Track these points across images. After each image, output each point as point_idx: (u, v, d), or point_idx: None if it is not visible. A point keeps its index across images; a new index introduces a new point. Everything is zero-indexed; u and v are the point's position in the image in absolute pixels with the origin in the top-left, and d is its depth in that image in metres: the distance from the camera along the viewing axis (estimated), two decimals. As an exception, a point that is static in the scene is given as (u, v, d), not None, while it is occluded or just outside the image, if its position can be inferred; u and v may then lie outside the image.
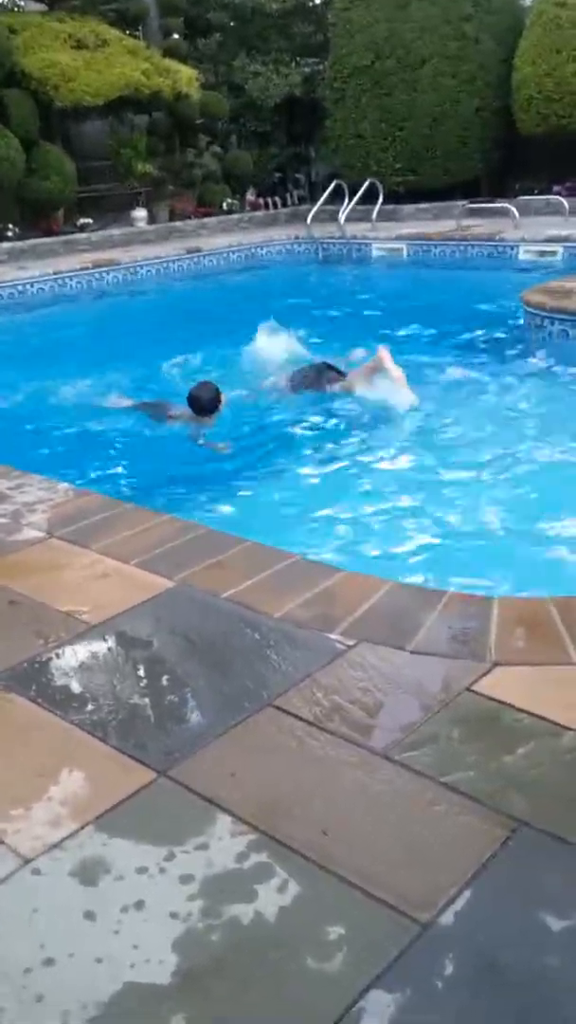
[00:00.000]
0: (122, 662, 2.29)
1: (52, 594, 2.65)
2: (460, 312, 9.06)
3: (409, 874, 1.54)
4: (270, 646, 2.30)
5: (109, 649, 2.34)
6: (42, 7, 14.78)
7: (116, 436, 5.49)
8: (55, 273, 11.44)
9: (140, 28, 15.64)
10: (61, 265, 11.74)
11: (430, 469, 4.57)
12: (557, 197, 12.84)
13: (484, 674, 2.10)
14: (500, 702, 1.99)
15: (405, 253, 12.49)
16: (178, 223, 14.44)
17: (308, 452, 4.97)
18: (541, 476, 4.41)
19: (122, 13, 15.30)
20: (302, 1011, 1.32)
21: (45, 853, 1.64)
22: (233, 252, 13.23)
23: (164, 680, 2.21)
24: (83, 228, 13.56)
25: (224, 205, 15.31)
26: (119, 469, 4.89)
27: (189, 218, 14.64)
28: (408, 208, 14.26)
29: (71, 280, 11.53)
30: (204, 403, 5.34)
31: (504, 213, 12.32)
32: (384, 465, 4.69)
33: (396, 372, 5.65)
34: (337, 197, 13.53)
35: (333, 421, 5.47)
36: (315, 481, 4.56)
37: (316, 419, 5.53)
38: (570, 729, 1.88)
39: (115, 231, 13.71)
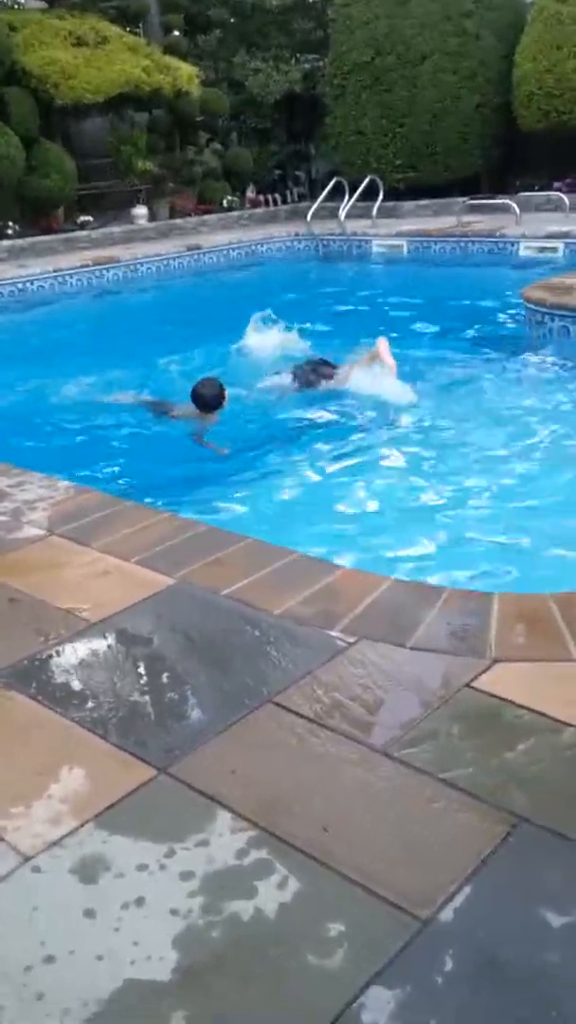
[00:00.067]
0: (122, 659, 2.29)
1: (52, 592, 2.65)
2: (460, 309, 9.05)
3: (409, 871, 1.54)
4: (270, 643, 2.30)
5: (109, 647, 2.34)
6: (42, 4, 14.76)
7: (117, 434, 5.49)
8: (55, 271, 11.44)
9: (140, 25, 15.63)
10: (61, 263, 11.73)
11: (430, 466, 4.57)
12: (558, 193, 12.83)
13: (484, 670, 2.10)
14: (500, 698, 1.99)
15: (405, 250, 12.48)
16: (178, 220, 14.43)
17: (308, 450, 4.97)
18: (542, 472, 4.41)
19: (122, 10, 15.29)
20: (302, 1008, 1.32)
21: (45, 851, 1.64)
22: (233, 249, 13.22)
23: (164, 677, 2.22)
24: (83, 226, 13.56)
25: (224, 202, 15.29)
26: (120, 467, 4.89)
27: (189, 215, 14.63)
28: (408, 205, 14.25)
29: (71, 278, 11.53)
30: (208, 400, 5.34)
31: (505, 209, 12.31)
32: (383, 462, 4.69)
33: (389, 361, 5.66)
34: (337, 194, 13.52)
35: (333, 418, 5.46)
36: (315, 479, 4.56)
37: (316, 416, 5.53)
38: (570, 725, 1.88)
39: (115, 229, 13.70)
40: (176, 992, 1.35)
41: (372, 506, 4.11)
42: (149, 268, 12.28)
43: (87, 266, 11.72)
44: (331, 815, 1.68)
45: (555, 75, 13.09)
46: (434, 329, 7.78)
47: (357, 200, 13.29)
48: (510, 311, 8.01)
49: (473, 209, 12.79)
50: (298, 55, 16.41)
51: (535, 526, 3.80)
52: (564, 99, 13.10)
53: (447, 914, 1.45)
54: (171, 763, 1.85)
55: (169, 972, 1.38)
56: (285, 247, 13.60)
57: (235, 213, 15.04)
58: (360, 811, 1.69)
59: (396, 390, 5.64)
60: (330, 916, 1.46)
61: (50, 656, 2.31)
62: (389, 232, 12.89)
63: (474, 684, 2.05)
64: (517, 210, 12.12)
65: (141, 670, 2.24)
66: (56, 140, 13.50)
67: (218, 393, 5.37)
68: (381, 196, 13.54)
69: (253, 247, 13.36)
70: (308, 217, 13.59)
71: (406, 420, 5.33)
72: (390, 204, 13.88)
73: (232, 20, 16.93)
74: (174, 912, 1.49)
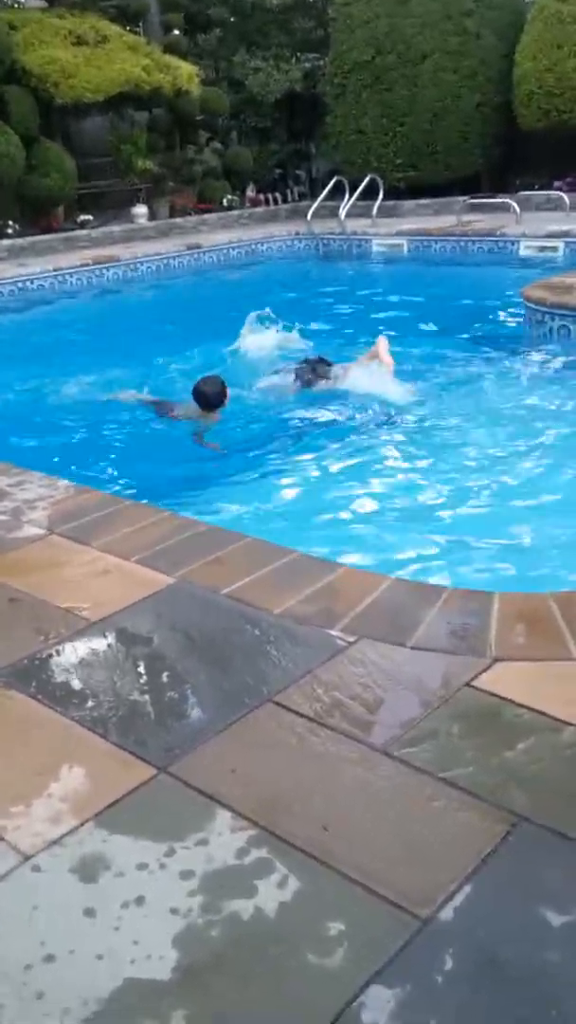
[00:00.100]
0: (122, 659, 2.29)
1: (52, 591, 2.65)
2: (461, 308, 9.06)
3: (409, 870, 1.54)
4: (270, 642, 2.29)
5: (109, 646, 2.34)
6: (42, 3, 14.76)
7: (117, 433, 5.49)
8: (55, 270, 11.44)
9: (140, 24, 15.63)
10: (61, 262, 11.74)
11: (430, 465, 4.57)
12: (558, 192, 12.83)
13: (484, 670, 2.10)
14: (500, 698, 1.99)
15: (405, 249, 12.48)
16: (178, 219, 14.43)
17: (307, 449, 4.97)
18: (542, 470, 4.41)
19: (122, 9, 15.29)
20: (302, 1007, 1.32)
21: (45, 850, 1.64)
22: (233, 248, 13.22)
23: (164, 676, 2.21)
24: (83, 225, 13.56)
25: (224, 201, 15.29)
26: (120, 466, 4.88)
27: (189, 214, 14.63)
28: (408, 204, 14.26)
29: (71, 277, 11.53)
30: (210, 397, 5.33)
31: (505, 208, 12.31)
32: (383, 461, 4.69)
33: (387, 360, 5.67)
34: (337, 193, 13.52)
35: (333, 417, 5.46)
36: (315, 478, 4.55)
37: (316, 416, 5.52)
38: (570, 724, 1.88)
39: (115, 228, 13.70)
40: (176, 991, 1.35)
41: (372, 505, 4.11)
42: (149, 267, 12.28)
43: (87, 265, 11.72)
44: (331, 814, 1.68)
45: (555, 74, 13.09)
46: (434, 328, 7.78)
47: (357, 199, 13.30)
48: (510, 310, 8.01)
49: (473, 208, 12.79)
50: (298, 54, 16.41)
51: (535, 525, 3.79)
52: (564, 98, 13.10)
53: (447, 913, 1.45)
54: (171, 762, 1.85)
55: (169, 971, 1.38)
56: (285, 246, 13.60)
57: (235, 212, 15.04)
58: (360, 810, 1.69)
59: (395, 389, 5.64)
60: (330, 915, 1.46)
61: (50, 655, 2.31)
62: (389, 231, 12.89)
63: (474, 683, 2.05)
64: (517, 209, 12.12)
65: (141, 669, 2.24)
66: (56, 139, 13.50)
67: (220, 391, 5.36)
68: (381, 195, 13.54)
69: (253, 246, 13.36)
70: (308, 216, 13.59)
71: (406, 419, 5.33)
72: (390, 203, 13.89)
73: (232, 19, 16.93)
74: (174, 911, 1.49)
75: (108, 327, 9.55)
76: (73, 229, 13.36)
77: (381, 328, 7.14)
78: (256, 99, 16.09)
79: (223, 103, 15.59)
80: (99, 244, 13.05)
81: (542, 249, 11.08)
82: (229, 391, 5.42)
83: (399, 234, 12.73)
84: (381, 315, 8.73)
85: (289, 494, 4.36)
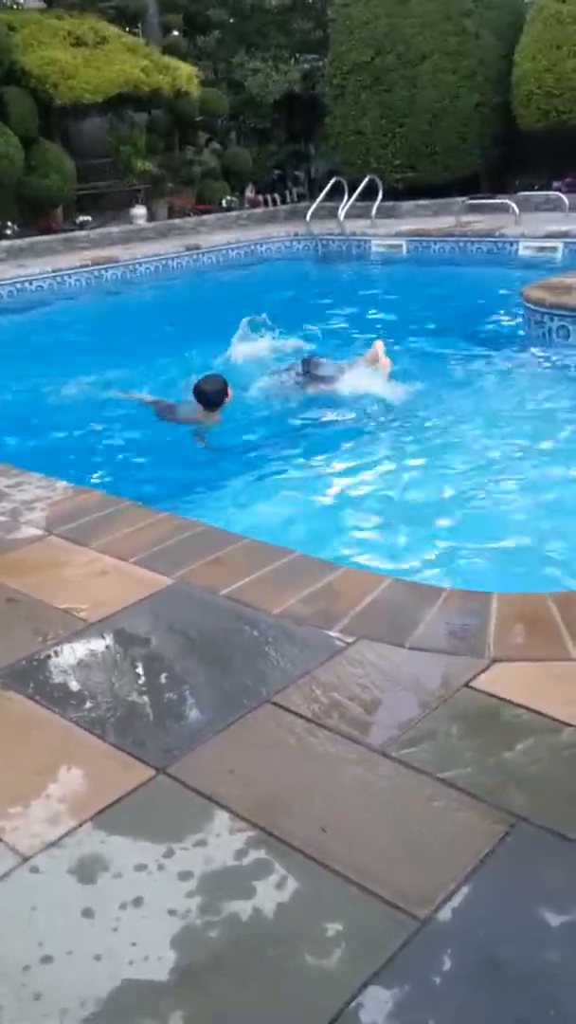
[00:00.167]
0: (121, 659, 2.29)
1: (51, 592, 2.65)
2: (460, 308, 9.06)
3: (407, 870, 1.54)
4: (269, 643, 2.29)
5: (108, 647, 2.34)
6: (41, 4, 14.77)
7: (116, 434, 5.49)
8: (54, 271, 11.44)
9: (139, 25, 15.64)
10: (60, 263, 11.73)
11: (429, 465, 4.56)
12: (557, 193, 12.83)
13: (483, 670, 2.10)
14: (499, 698, 1.99)
15: (405, 249, 12.48)
16: (177, 220, 14.43)
17: (306, 449, 4.97)
18: (541, 471, 4.41)
19: (121, 10, 15.29)
20: (301, 1007, 1.32)
21: (43, 851, 1.64)
22: (232, 249, 13.22)
23: (163, 677, 2.21)
24: (82, 226, 13.56)
25: (223, 202, 15.30)
26: (119, 467, 4.89)
27: (188, 215, 14.64)
28: (407, 204, 14.25)
29: (70, 278, 11.53)
30: (211, 396, 5.31)
31: (504, 209, 12.31)
32: (382, 462, 4.68)
33: (384, 361, 5.68)
34: (336, 194, 13.52)
35: (331, 418, 5.46)
36: (314, 478, 4.55)
37: (314, 417, 5.52)
38: (569, 725, 1.88)
39: (114, 229, 13.70)
40: (175, 992, 1.35)
41: (370, 505, 4.11)
42: (148, 268, 12.28)
43: (86, 266, 11.72)
44: (330, 815, 1.68)
45: (554, 74, 13.09)
46: (433, 329, 7.78)
47: (356, 200, 13.30)
48: (509, 311, 8.01)
49: (472, 209, 12.79)
50: (297, 55, 16.41)
51: (534, 525, 3.79)
52: (563, 98, 13.10)
53: (446, 913, 1.45)
54: (170, 763, 1.85)
55: (167, 972, 1.38)
56: (284, 247, 13.59)
57: (234, 213, 15.04)
58: (359, 811, 1.69)
59: (393, 389, 5.64)
60: (328, 916, 1.46)
61: (48, 656, 2.31)
62: (388, 232, 12.89)
63: (473, 684, 2.05)
64: (516, 210, 12.12)
65: (139, 670, 2.24)
66: (55, 140, 13.51)
67: (221, 389, 5.34)
68: (380, 196, 13.54)
69: (252, 247, 13.36)
70: (307, 217, 13.59)
71: (404, 420, 5.33)
72: (389, 204, 13.89)
73: (231, 20, 16.94)
74: (172, 912, 1.49)
75: (107, 328, 9.55)
76: (72, 230, 13.36)
77: (379, 329, 7.16)
78: (255, 100, 16.09)
79: (222, 104, 15.60)
80: (98, 245, 13.05)
81: (541, 250, 11.08)
82: (231, 390, 5.41)
83: (398, 235, 12.73)
84: (380, 316, 8.73)
85: (288, 495, 4.36)
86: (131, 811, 1.73)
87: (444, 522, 3.90)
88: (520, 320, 7.39)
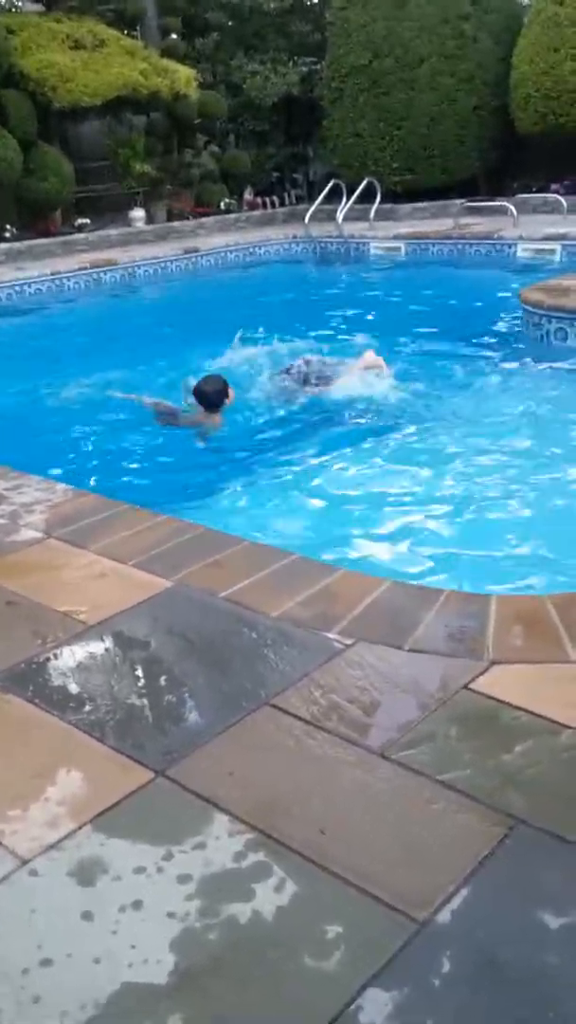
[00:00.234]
0: (120, 662, 2.29)
1: (50, 594, 2.65)
2: (458, 311, 9.07)
3: (406, 872, 1.54)
4: (268, 645, 2.30)
5: (107, 649, 2.34)
6: (39, 7, 14.78)
7: (115, 437, 5.49)
8: (53, 274, 11.45)
9: (138, 28, 15.64)
10: (59, 266, 11.74)
11: (428, 467, 4.56)
12: (555, 195, 12.85)
13: (482, 672, 2.10)
14: (498, 700, 1.99)
15: (403, 252, 12.49)
16: (176, 223, 14.44)
17: (305, 452, 4.97)
18: (540, 473, 4.41)
19: (120, 13, 15.31)
20: (300, 1009, 1.32)
21: (43, 854, 1.64)
22: (231, 252, 13.23)
23: (162, 680, 2.21)
24: (81, 228, 13.56)
25: (222, 205, 15.31)
26: (118, 470, 4.88)
27: (187, 218, 14.65)
28: (406, 207, 14.27)
29: (69, 280, 11.53)
30: (209, 396, 5.29)
31: (502, 212, 12.33)
32: (380, 464, 4.69)
33: (378, 361, 5.71)
34: (335, 196, 13.54)
35: (330, 421, 5.46)
36: (312, 481, 4.55)
37: (313, 419, 5.53)
38: (568, 727, 1.88)
39: (113, 231, 13.71)
40: (174, 995, 1.35)
41: (369, 508, 4.11)
42: (147, 271, 12.28)
43: (85, 269, 11.72)
44: (329, 817, 1.68)
45: (552, 77, 13.10)
46: (431, 331, 7.78)
47: (355, 202, 13.31)
48: (507, 313, 8.02)
49: (470, 211, 12.80)
50: (296, 58, 16.43)
51: (532, 528, 3.80)
52: (561, 101, 13.12)
53: (445, 915, 1.45)
54: (169, 766, 1.85)
55: (166, 975, 1.38)
56: (283, 249, 13.60)
57: (233, 215, 15.05)
58: (358, 813, 1.69)
59: (391, 392, 5.65)
60: (328, 918, 1.46)
61: (48, 659, 2.31)
62: (387, 234, 12.91)
63: (472, 686, 2.05)
64: (514, 212, 12.13)
65: (138, 673, 2.24)
66: (54, 143, 13.51)
67: (221, 389, 5.31)
68: (379, 198, 13.55)
69: (251, 249, 13.37)
70: (306, 219, 13.60)
71: (402, 422, 5.33)
72: (387, 206, 13.90)
73: (230, 23, 16.95)
74: (171, 915, 1.49)
75: (106, 331, 9.55)
76: (71, 233, 13.37)
77: (380, 331, 7.16)
78: (254, 103, 16.11)
79: (221, 107, 15.61)
80: (97, 248, 13.06)
81: (539, 252, 11.09)
82: (232, 391, 5.40)
83: (396, 237, 12.74)
84: (378, 318, 8.74)
85: (287, 497, 4.36)
86: (130, 814, 1.73)
87: (442, 524, 3.91)
88: (518, 322, 7.39)
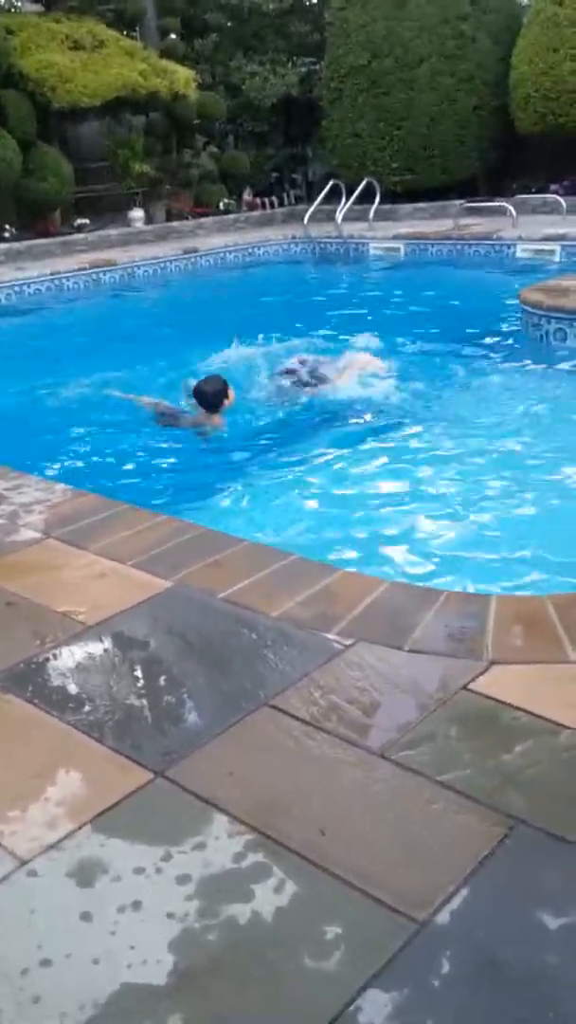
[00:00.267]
0: (119, 662, 2.28)
1: (49, 595, 2.64)
2: (457, 311, 9.07)
3: (406, 873, 1.54)
4: (267, 646, 2.29)
5: (106, 650, 2.34)
6: (39, 8, 14.78)
7: (114, 437, 5.49)
8: (52, 274, 11.45)
9: (137, 29, 15.64)
10: (58, 266, 11.74)
11: (428, 468, 4.57)
12: (554, 196, 12.85)
13: (481, 673, 2.10)
14: (497, 701, 1.99)
15: (402, 252, 12.49)
16: (175, 223, 14.44)
17: (304, 452, 4.96)
18: (540, 473, 4.41)
19: (119, 14, 15.31)
20: (300, 1010, 1.32)
21: (42, 854, 1.64)
22: (230, 252, 13.23)
23: (161, 680, 2.21)
24: (80, 229, 13.57)
25: (221, 205, 15.31)
26: (117, 470, 4.88)
27: (186, 218, 14.65)
28: (405, 207, 14.27)
29: (68, 281, 11.53)
30: (208, 396, 5.28)
31: (501, 212, 12.33)
32: (380, 465, 4.69)
33: (374, 362, 5.71)
34: (334, 196, 13.54)
35: (329, 421, 5.46)
36: (312, 481, 4.55)
37: (312, 419, 5.53)
38: (568, 727, 1.88)
39: (112, 231, 13.71)
40: (173, 995, 1.35)
41: (369, 508, 4.11)
42: (146, 271, 12.28)
43: (84, 269, 11.72)
44: (328, 817, 1.68)
45: (552, 78, 13.10)
46: (431, 331, 7.78)
47: (354, 203, 13.31)
48: (507, 313, 8.02)
49: (470, 212, 12.80)
50: (295, 58, 16.43)
51: (532, 528, 3.80)
52: (561, 102, 13.12)
53: (445, 916, 1.45)
54: (168, 766, 1.85)
55: (166, 975, 1.38)
56: (282, 250, 13.60)
57: (232, 216, 15.05)
58: (357, 813, 1.69)
59: (390, 392, 5.65)
60: (327, 919, 1.46)
61: (47, 659, 2.31)
62: (386, 235, 12.91)
63: (471, 686, 2.05)
64: (514, 213, 12.13)
65: (138, 673, 2.24)
66: (53, 143, 13.51)
67: (221, 389, 5.30)
68: (378, 199, 13.55)
69: (250, 250, 13.37)
70: (305, 220, 13.60)
71: (401, 422, 5.33)
72: (387, 207, 13.90)
73: (229, 24, 16.96)
74: (171, 915, 1.49)
75: (105, 331, 9.55)
76: (70, 233, 13.37)
77: (379, 331, 7.16)
78: (253, 103, 16.11)
79: (220, 107, 15.61)
80: (96, 248, 13.06)
81: (538, 252, 11.09)
82: (233, 392, 5.39)
83: (396, 237, 12.74)
84: (378, 318, 8.74)
85: (287, 497, 4.36)
86: (130, 814, 1.73)
87: (442, 524, 3.91)
88: (517, 323, 7.39)
